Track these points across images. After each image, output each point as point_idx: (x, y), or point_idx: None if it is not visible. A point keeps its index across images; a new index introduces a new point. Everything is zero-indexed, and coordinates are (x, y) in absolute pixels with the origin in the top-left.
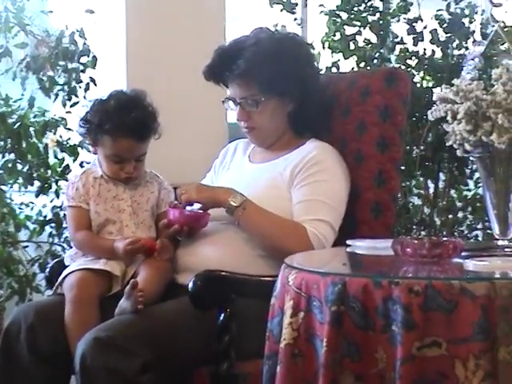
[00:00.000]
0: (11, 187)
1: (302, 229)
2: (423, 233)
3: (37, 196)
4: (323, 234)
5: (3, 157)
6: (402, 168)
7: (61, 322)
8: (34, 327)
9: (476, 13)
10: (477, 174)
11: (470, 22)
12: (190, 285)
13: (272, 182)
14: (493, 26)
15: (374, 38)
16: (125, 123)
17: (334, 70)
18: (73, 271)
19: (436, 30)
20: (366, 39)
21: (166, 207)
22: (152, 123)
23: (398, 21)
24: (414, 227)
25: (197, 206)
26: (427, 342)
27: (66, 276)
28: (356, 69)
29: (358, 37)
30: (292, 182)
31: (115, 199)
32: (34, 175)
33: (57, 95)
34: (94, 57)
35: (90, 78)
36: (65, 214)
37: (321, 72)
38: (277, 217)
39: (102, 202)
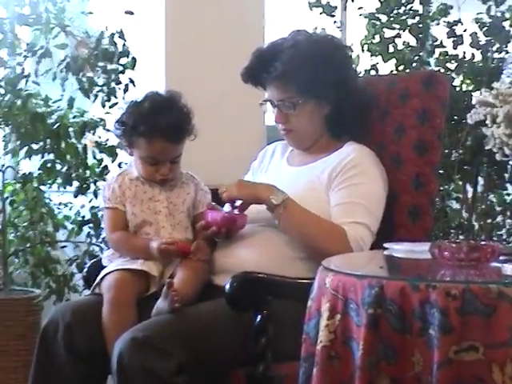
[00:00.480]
0: (50, 187)
1: (342, 230)
2: (461, 237)
3: (75, 196)
4: (361, 236)
5: (42, 157)
6: (441, 172)
7: (98, 321)
8: (71, 326)
9: None
10: None
11: (511, 26)
12: (227, 286)
13: (310, 184)
14: None
15: (413, 41)
16: (159, 125)
17: (372, 72)
18: (111, 271)
19: (476, 33)
20: (405, 42)
21: (204, 208)
22: (186, 125)
23: (438, 24)
24: (452, 231)
25: (239, 202)
26: (464, 346)
27: (103, 276)
28: (395, 72)
29: (397, 40)
30: (330, 184)
31: (151, 201)
32: (73, 175)
33: (96, 96)
34: (134, 58)
35: (129, 79)
36: (103, 215)
37: (359, 75)
38: (317, 217)
39: (138, 203)
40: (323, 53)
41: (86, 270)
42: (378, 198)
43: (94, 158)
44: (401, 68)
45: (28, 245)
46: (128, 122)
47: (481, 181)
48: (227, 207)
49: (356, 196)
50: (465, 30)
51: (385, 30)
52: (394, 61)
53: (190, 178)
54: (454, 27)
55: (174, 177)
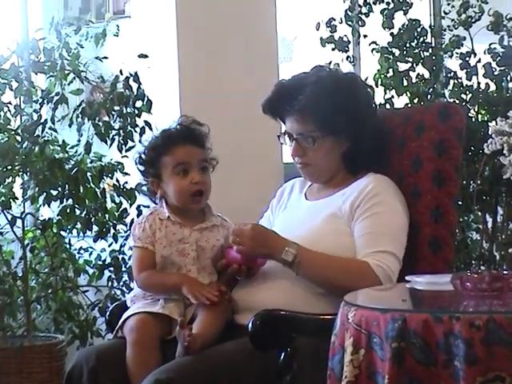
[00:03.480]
0: (70, 232)
1: (364, 264)
2: (483, 267)
3: (95, 241)
4: (387, 264)
5: (61, 202)
6: (459, 203)
7: (122, 364)
8: (96, 370)
9: None
10: None
11: None
12: (250, 325)
13: (330, 217)
14: None
15: (427, 74)
16: (173, 133)
17: (387, 106)
18: (132, 314)
19: (490, 63)
20: (419, 75)
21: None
22: (199, 125)
23: (451, 56)
24: (474, 262)
25: None
26: (490, 377)
27: (125, 319)
28: (410, 105)
29: (411, 73)
30: (352, 216)
31: (180, 242)
32: (92, 220)
33: (113, 140)
34: (149, 101)
35: (145, 122)
36: (123, 258)
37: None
38: (335, 259)
39: (167, 244)
40: (346, 90)
41: (108, 313)
42: (401, 224)
43: (113, 201)
44: (415, 101)
45: (50, 291)
46: (149, 148)
47: (500, 210)
48: None
49: (378, 225)
50: (478, 61)
51: (398, 63)
52: (408, 94)
53: (221, 221)
54: (467, 58)
55: (208, 189)
